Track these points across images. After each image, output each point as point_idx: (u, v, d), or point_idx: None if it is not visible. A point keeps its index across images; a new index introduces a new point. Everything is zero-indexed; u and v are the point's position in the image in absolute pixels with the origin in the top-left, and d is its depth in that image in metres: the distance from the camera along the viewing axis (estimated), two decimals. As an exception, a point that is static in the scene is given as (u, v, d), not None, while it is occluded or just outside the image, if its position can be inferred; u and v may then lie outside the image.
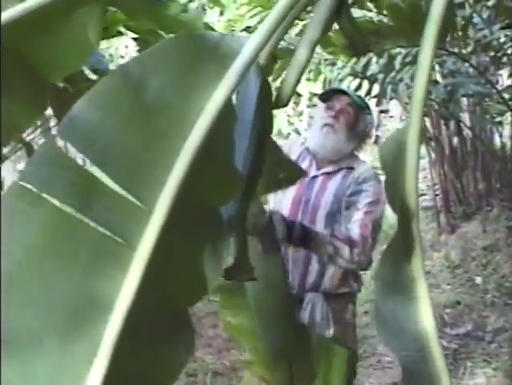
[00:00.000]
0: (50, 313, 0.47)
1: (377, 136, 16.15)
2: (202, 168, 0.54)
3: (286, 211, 2.03)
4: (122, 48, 8.39)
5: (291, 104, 16.37)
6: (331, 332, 2.01)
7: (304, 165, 2.07)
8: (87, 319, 0.48)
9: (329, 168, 2.07)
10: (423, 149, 6.80)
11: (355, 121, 2.05)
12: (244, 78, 0.66)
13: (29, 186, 0.48)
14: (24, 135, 4.81)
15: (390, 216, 6.07)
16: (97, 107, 0.52)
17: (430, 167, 6.95)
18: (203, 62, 0.59)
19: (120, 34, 4.40)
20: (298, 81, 0.95)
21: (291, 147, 2.15)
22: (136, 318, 0.49)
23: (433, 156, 6.85)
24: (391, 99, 5.43)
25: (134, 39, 4.52)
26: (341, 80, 6.38)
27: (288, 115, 16.35)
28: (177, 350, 0.55)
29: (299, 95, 16.10)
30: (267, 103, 0.91)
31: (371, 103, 5.78)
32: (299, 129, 16.53)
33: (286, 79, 0.97)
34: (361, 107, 2.07)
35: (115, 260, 0.48)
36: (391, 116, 13.34)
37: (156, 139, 0.52)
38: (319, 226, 2.05)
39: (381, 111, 10.55)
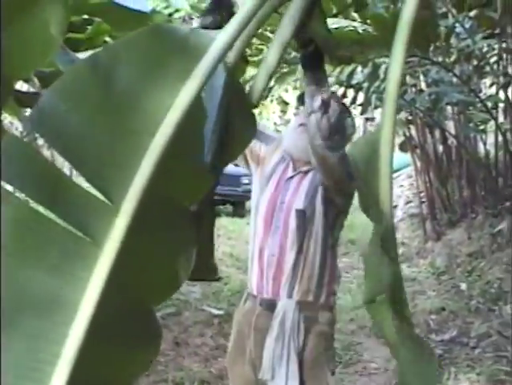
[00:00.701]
0: (15, 312, 0.47)
1: (364, 145, 16.32)
2: (171, 165, 0.54)
3: (262, 213, 2.02)
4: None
5: (278, 113, 16.44)
6: (300, 341, 1.92)
7: (283, 167, 2.05)
8: (52, 320, 0.48)
9: (304, 168, 2.01)
10: (409, 157, 6.86)
11: None
12: (211, 75, 0.68)
13: None
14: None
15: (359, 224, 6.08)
16: (65, 97, 0.52)
17: (416, 174, 7.01)
18: (172, 55, 0.59)
19: (106, 44, 4.44)
20: (267, 82, 0.97)
21: (274, 150, 2.11)
22: (101, 318, 0.49)
23: (419, 163, 6.92)
24: (376, 107, 5.49)
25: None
26: (325, 89, 6.44)
27: (275, 124, 16.45)
28: (144, 349, 0.55)
29: (286, 104, 16.21)
30: (237, 101, 0.93)
31: (357, 111, 5.85)
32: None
33: (256, 80, 0.99)
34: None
35: (82, 259, 0.48)
36: (378, 124, 13.43)
37: (125, 134, 0.52)
38: (292, 225, 1.96)
39: (367, 119, 10.62)
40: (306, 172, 2.03)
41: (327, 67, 5.16)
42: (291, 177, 2.03)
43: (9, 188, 0.47)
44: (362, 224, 8.16)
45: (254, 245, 2.04)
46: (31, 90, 4.98)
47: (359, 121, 16.49)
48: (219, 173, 1.18)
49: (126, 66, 0.57)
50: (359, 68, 4.95)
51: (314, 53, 1.38)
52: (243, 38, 0.97)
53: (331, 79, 5.66)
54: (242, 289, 5.33)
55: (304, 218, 1.96)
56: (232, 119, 0.96)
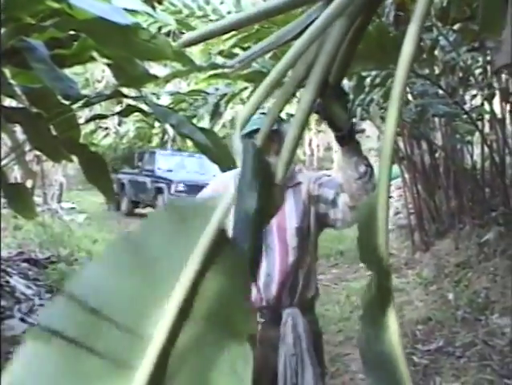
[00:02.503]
0: None
1: (354, 156, 16.42)
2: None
3: None
4: (98, 72, 8.46)
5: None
6: (312, 343, 2.05)
7: None
8: None
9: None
10: (398, 168, 6.92)
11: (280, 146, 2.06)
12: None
13: (43, 328, 0.54)
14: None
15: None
16: (102, 264, 0.62)
17: (404, 186, 7.07)
18: (186, 222, 0.67)
19: (93, 59, 4.47)
20: (292, 157, 0.99)
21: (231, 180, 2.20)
22: None
23: (407, 175, 6.98)
24: (362, 119, 5.55)
25: (107, 65, 4.58)
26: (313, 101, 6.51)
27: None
28: None
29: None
30: (266, 182, 0.96)
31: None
32: (278, 150, 16.71)
33: (281, 157, 1.01)
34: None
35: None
36: (367, 136, 13.54)
37: (151, 285, 0.61)
38: (292, 243, 2.07)
39: (357, 132, 10.73)
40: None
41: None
42: None
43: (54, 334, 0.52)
44: (351, 236, 8.23)
45: None
46: (19, 106, 5.01)
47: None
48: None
49: (151, 236, 0.67)
50: (345, 81, 5.01)
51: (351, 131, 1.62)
52: (269, 119, 0.99)
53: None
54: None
55: (302, 235, 2.09)
56: (261, 200, 0.99)
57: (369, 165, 1.84)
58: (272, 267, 2.07)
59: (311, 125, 16.32)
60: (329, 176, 2.28)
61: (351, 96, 4.92)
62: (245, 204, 0.95)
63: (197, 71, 5.55)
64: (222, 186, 2.13)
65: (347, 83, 5.41)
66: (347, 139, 1.68)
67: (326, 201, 2.09)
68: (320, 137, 17.52)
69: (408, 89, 5.77)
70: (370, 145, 13.95)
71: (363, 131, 13.38)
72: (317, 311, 5.27)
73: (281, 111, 1.08)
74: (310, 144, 17.52)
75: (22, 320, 4.63)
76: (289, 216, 2.09)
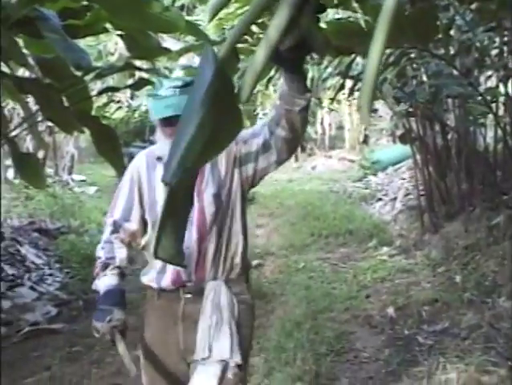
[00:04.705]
0: None
1: (366, 136, 16.27)
2: None
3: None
4: (111, 45, 8.41)
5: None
6: (236, 314, 2.00)
7: (159, 172, 2.03)
8: None
9: None
10: (409, 149, 6.88)
11: None
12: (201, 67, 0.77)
13: None
14: (9, 130, 4.83)
15: (375, 216, 6.13)
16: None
17: (415, 167, 7.02)
18: None
19: (106, 31, 4.45)
20: (256, 81, 0.99)
21: (141, 156, 2.20)
22: None
23: (418, 156, 6.93)
24: (375, 99, 5.49)
25: (120, 36, 4.56)
26: (325, 80, 6.46)
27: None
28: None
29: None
30: (224, 96, 0.96)
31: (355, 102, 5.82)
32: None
33: (244, 78, 1.01)
34: None
35: None
36: (380, 116, 13.42)
37: None
38: (209, 211, 1.98)
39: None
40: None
41: (327, 57, 5.12)
42: None
43: None
44: (361, 215, 8.23)
45: None
46: (32, 76, 5.00)
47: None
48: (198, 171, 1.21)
49: None
50: (359, 59, 4.96)
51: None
52: (236, 32, 0.99)
53: (329, 70, 5.67)
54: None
55: (221, 202, 2.01)
56: (218, 115, 0.98)
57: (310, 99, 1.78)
58: (189, 239, 1.98)
59: (324, 103, 16.20)
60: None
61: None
62: (190, 124, 0.95)
63: (211, 45, 5.51)
64: (136, 171, 2.14)
65: (360, 62, 5.36)
66: (300, 66, 1.53)
67: (257, 153, 1.99)
68: (332, 115, 17.40)
69: (422, 69, 5.71)
70: (382, 126, 13.86)
71: (375, 111, 13.27)
72: (324, 290, 5.30)
73: (250, 25, 1.05)
74: (321, 123, 17.39)
75: (32, 288, 4.70)
76: (206, 183, 2.02)
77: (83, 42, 4.41)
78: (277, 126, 1.89)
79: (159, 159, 2.07)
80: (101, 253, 2.11)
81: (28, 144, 8.51)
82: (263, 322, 4.52)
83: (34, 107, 5.53)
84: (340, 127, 17.88)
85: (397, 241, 6.63)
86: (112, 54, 8.47)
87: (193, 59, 11.97)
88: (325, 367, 3.54)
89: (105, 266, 2.07)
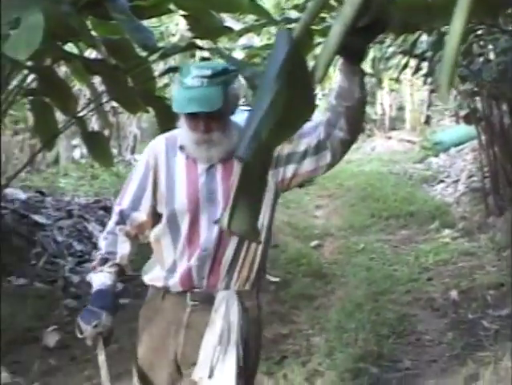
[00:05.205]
0: None
1: (428, 116, 15.89)
2: None
3: (184, 208, 1.82)
4: (172, 26, 8.50)
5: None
6: (244, 332, 1.81)
7: (181, 161, 1.84)
8: None
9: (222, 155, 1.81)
10: (474, 130, 6.69)
11: (225, 120, 1.78)
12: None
13: None
14: (77, 110, 4.97)
15: (437, 198, 6.01)
16: None
17: (480, 148, 6.83)
18: None
19: (170, 11, 4.49)
20: (330, 60, 0.98)
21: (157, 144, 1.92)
22: None
23: (483, 137, 6.73)
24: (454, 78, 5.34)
25: (183, 16, 4.60)
26: (388, 58, 6.33)
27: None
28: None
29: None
30: (298, 75, 0.96)
31: (420, 81, 5.65)
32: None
33: (319, 57, 1.00)
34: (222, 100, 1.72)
35: None
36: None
37: None
38: None
39: (432, 91, 10.29)
40: (226, 160, 1.81)
41: (391, 36, 5.02)
42: (212, 166, 1.82)
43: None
44: (422, 197, 8.09)
45: (178, 243, 1.84)
46: (98, 57, 5.12)
47: (423, 93, 16.09)
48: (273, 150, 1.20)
49: None
50: (424, 37, 4.84)
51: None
52: (311, 12, 0.98)
53: (393, 49, 5.56)
54: (299, 258, 5.47)
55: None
56: (291, 95, 0.98)
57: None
58: (210, 241, 1.80)
59: (384, 83, 15.91)
60: None
61: (431, 53, 4.75)
62: (263, 101, 0.95)
63: (271, 25, 5.49)
64: (153, 156, 1.89)
65: (425, 39, 5.22)
66: (363, 55, 1.45)
67: (304, 154, 1.77)
68: (393, 96, 17.08)
69: (490, 46, 5.51)
70: (445, 106, 13.50)
71: (432, 91, 12.92)
72: (385, 272, 5.25)
73: (324, 4, 1.04)
74: (381, 104, 17.10)
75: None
76: (234, 179, 1.83)
77: (146, 24, 4.47)
78: (334, 127, 1.70)
79: (181, 148, 1.84)
80: (102, 244, 1.91)
81: (93, 125, 8.73)
82: (323, 302, 4.53)
83: (99, 88, 5.67)
84: (400, 108, 17.53)
85: (460, 224, 6.48)
86: (174, 35, 8.55)
87: (252, 40, 11.95)
88: (387, 349, 3.52)
89: (104, 261, 1.87)
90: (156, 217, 1.89)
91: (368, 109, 17.49)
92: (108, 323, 1.81)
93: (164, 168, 1.86)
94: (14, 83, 4.23)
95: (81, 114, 4.61)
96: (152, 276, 1.91)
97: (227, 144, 1.77)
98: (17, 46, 2.44)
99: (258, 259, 1.85)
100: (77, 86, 6.83)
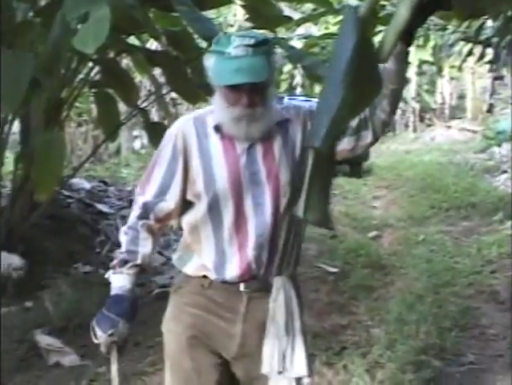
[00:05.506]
0: None
1: (491, 105, 15.42)
2: None
3: (225, 190, 1.66)
4: (230, 17, 8.54)
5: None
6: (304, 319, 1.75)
7: (215, 143, 1.68)
8: None
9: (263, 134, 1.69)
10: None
11: (267, 93, 1.64)
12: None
13: None
14: (138, 102, 5.07)
15: (500, 189, 5.82)
16: None
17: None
18: None
19: (230, 2, 4.53)
20: (397, 40, 0.97)
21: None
22: None
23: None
24: (505, 64, 5.18)
25: (243, 7, 4.62)
26: (451, 45, 6.17)
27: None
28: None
29: (407, 63, 15.62)
30: (365, 56, 0.95)
31: (484, 69, 5.50)
32: (407, 98, 16.11)
33: (385, 36, 0.99)
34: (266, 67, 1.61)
35: None
36: (505, 84, 12.64)
37: None
38: (283, 198, 1.68)
39: (495, 78, 9.99)
40: (266, 139, 1.68)
41: (454, 22, 4.89)
42: (252, 145, 1.68)
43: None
44: (484, 188, 7.87)
45: (221, 231, 1.68)
46: (159, 49, 5.21)
47: (485, 81, 15.60)
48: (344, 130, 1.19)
49: None
50: (489, 22, 4.69)
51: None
52: None
53: (457, 35, 5.41)
54: (357, 249, 5.43)
55: (294, 188, 1.64)
56: (360, 76, 0.97)
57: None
58: (265, 225, 1.66)
59: (444, 71, 15.52)
60: None
61: (496, 39, 4.60)
62: (336, 88, 0.94)
63: (331, 14, 5.44)
64: (181, 139, 1.68)
65: (490, 24, 5.06)
66: (415, 35, 1.41)
67: (344, 132, 1.66)
68: (453, 84, 16.66)
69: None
70: (508, 94, 13.06)
71: (502, 77, 12.51)
72: (446, 264, 5.15)
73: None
74: (441, 92, 16.70)
75: (160, 253, 4.95)
76: (279, 163, 1.67)
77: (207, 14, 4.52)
78: (375, 108, 1.63)
79: (217, 128, 1.67)
80: (123, 239, 1.74)
81: (153, 116, 8.90)
82: (383, 293, 4.48)
83: (161, 78, 5.77)
84: (461, 97, 17.09)
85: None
86: (232, 25, 8.60)
87: (310, 29, 11.87)
88: (449, 342, 3.45)
89: (124, 262, 1.71)
90: (183, 206, 1.72)
91: (428, 98, 17.14)
92: (125, 331, 1.69)
93: (197, 151, 1.67)
94: (80, 76, 4.35)
95: (143, 105, 4.70)
96: (194, 266, 1.73)
97: (268, 121, 1.64)
98: (85, 40, 2.51)
99: (301, 241, 1.78)
100: (137, 78, 6.96)
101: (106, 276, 1.76)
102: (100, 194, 6.25)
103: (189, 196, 1.70)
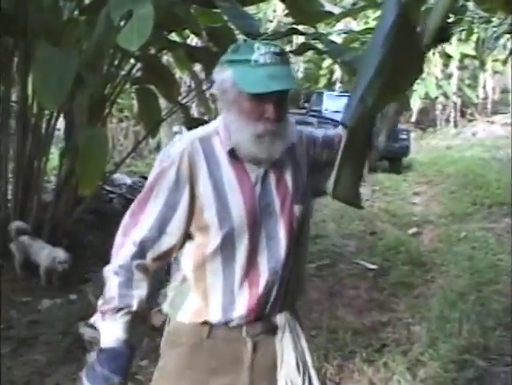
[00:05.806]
0: None
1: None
2: None
3: (241, 222, 1.45)
4: (270, 12, 8.54)
5: (440, 66, 15.67)
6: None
7: (228, 167, 1.46)
8: None
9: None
10: None
11: (288, 106, 1.50)
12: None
13: None
14: (179, 98, 5.12)
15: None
16: None
17: None
18: None
19: (270, -3, 4.53)
20: (441, 23, 0.95)
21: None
22: None
23: None
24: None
25: (282, 2, 4.61)
26: (497, 38, 6.03)
27: (436, 78, 15.71)
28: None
29: (449, 57, 15.36)
30: (406, 38, 0.94)
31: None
32: (448, 92, 15.84)
33: (428, 22, 0.97)
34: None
35: None
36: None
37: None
38: (293, 230, 1.52)
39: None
40: (275, 165, 1.50)
41: (499, 15, 4.78)
42: (266, 172, 1.50)
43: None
44: (529, 185, 7.69)
45: (232, 268, 1.47)
46: (199, 44, 5.24)
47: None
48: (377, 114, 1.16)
49: None
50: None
51: None
52: None
53: (503, 28, 5.29)
54: (397, 245, 5.37)
55: (307, 211, 1.56)
56: (398, 58, 0.96)
57: None
58: (278, 261, 1.49)
59: (487, 65, 15.21)
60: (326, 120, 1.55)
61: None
62: (369, 66, 0.92)
63: (371, 8, 5.39)
64: (186, 164, 1.44)
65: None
66: None
67: None
68: (496, 78, 16.28)
69: None
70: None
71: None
72: (489, 261, 5.08)
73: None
74: (484, 86, 16.35)
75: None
76: (292, 193, 1.52)
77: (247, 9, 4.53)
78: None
79: (231, 152, 1.46)
80: (114, 281, 1.46)
81: (192, 112, 8.97)
82: (423, 291, 4.43)
83: (200, 75, 5.81)
84: (504, 91, 16.70)
85: None
86: (271, 21, 8.59)
87: (350, 24, 11.77)
88: (493, 341, 3.39)
89: (117, 309, 1.46)
90: (184, 240, 1.48)
91: (470, 93, 16.81)
92: None
93: (207, 177, 1.44)
94: (123, 72, 4.42)
95: (183, 101, 4.74)
96: (191, 311, 1.51)
97: (288, 138, 1.48)
98: (129, 37, 2.55)
99: (304, 273, 1.65)
100: (178, 74, 7.02)
101: (91, 321, 1.56)
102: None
103: (193, 229, 1.47)
